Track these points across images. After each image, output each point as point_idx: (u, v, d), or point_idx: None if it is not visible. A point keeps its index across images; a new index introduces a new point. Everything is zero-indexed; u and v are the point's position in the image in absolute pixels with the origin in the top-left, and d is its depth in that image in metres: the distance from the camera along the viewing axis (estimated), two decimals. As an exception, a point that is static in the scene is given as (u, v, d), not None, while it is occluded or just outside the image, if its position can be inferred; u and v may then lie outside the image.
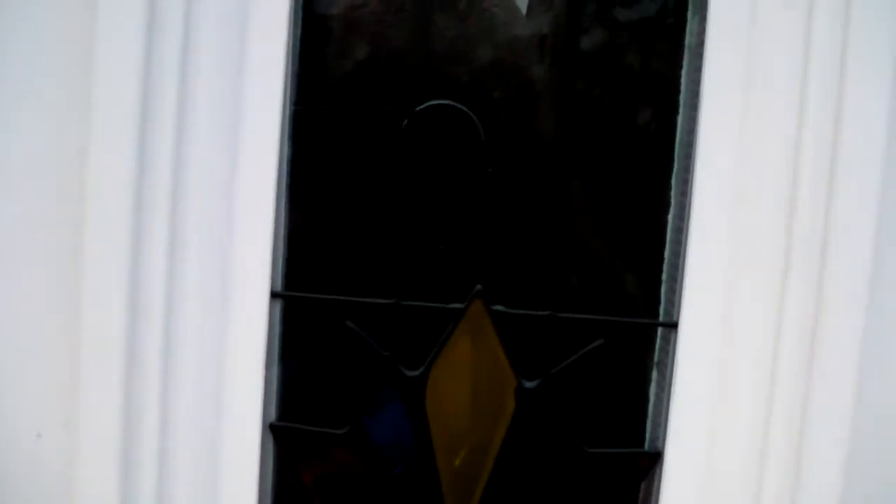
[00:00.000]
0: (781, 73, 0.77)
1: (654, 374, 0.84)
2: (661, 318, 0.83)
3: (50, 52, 0.77)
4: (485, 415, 0.80)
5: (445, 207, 0.82)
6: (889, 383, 0.79)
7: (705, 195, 0.78)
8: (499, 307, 0.80)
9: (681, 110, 0.82)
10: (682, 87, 0.82)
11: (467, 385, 0.80)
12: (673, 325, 0.79)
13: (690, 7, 0.81)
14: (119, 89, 0.73)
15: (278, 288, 0.80)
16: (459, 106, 0.80)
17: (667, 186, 0.83)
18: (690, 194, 0.79)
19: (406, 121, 0.80)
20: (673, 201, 0.82)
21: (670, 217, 0.83)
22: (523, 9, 0.83)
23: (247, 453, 0.79)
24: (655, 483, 0.81)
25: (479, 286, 0.79)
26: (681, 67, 0.82)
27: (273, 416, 0.81)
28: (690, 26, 0.81)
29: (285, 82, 0.78)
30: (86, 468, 0.77)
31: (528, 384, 0.80)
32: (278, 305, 0.80)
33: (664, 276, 0.83)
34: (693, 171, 0.78)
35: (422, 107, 0.80)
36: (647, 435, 0.84)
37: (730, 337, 0.79)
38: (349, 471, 0.81)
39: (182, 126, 0.75)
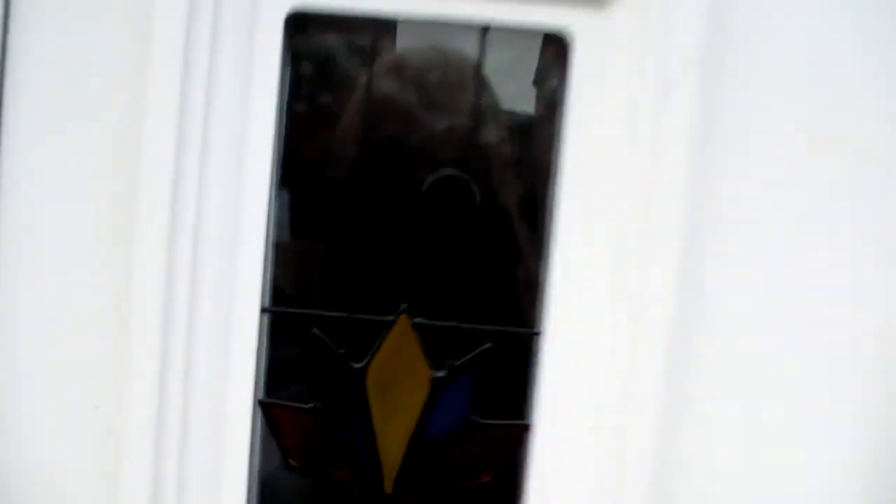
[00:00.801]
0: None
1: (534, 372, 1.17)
2: (535, 328, 1.16)
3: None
4: (409, 394, 1.14)
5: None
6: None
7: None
8: (419, 319, 1.13)
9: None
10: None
11: (396, 374, 1.14)
12: (536, 334, 1.13)
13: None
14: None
15: (266, 304, 1.15)
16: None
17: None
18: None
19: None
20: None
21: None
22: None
23: (243, 421, 1.14)
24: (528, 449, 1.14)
25: (404, 304, 1.13)
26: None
27: (261, 395, 1.16)
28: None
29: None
30: (128, 442, 1.11)
31: (439, 374, 1.14)
32: (266, 318, 1.15)
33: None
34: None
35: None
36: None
37: (587, 345, 1.12)
38: (312, 435, 1.15)
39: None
